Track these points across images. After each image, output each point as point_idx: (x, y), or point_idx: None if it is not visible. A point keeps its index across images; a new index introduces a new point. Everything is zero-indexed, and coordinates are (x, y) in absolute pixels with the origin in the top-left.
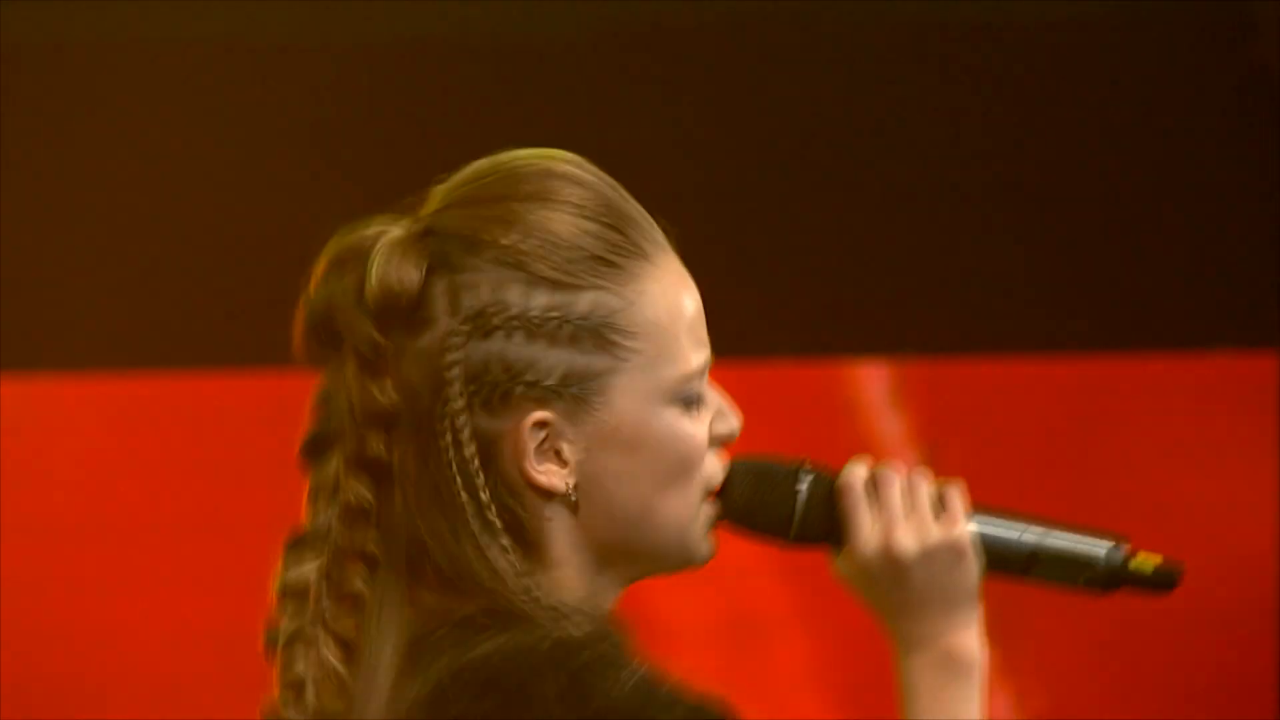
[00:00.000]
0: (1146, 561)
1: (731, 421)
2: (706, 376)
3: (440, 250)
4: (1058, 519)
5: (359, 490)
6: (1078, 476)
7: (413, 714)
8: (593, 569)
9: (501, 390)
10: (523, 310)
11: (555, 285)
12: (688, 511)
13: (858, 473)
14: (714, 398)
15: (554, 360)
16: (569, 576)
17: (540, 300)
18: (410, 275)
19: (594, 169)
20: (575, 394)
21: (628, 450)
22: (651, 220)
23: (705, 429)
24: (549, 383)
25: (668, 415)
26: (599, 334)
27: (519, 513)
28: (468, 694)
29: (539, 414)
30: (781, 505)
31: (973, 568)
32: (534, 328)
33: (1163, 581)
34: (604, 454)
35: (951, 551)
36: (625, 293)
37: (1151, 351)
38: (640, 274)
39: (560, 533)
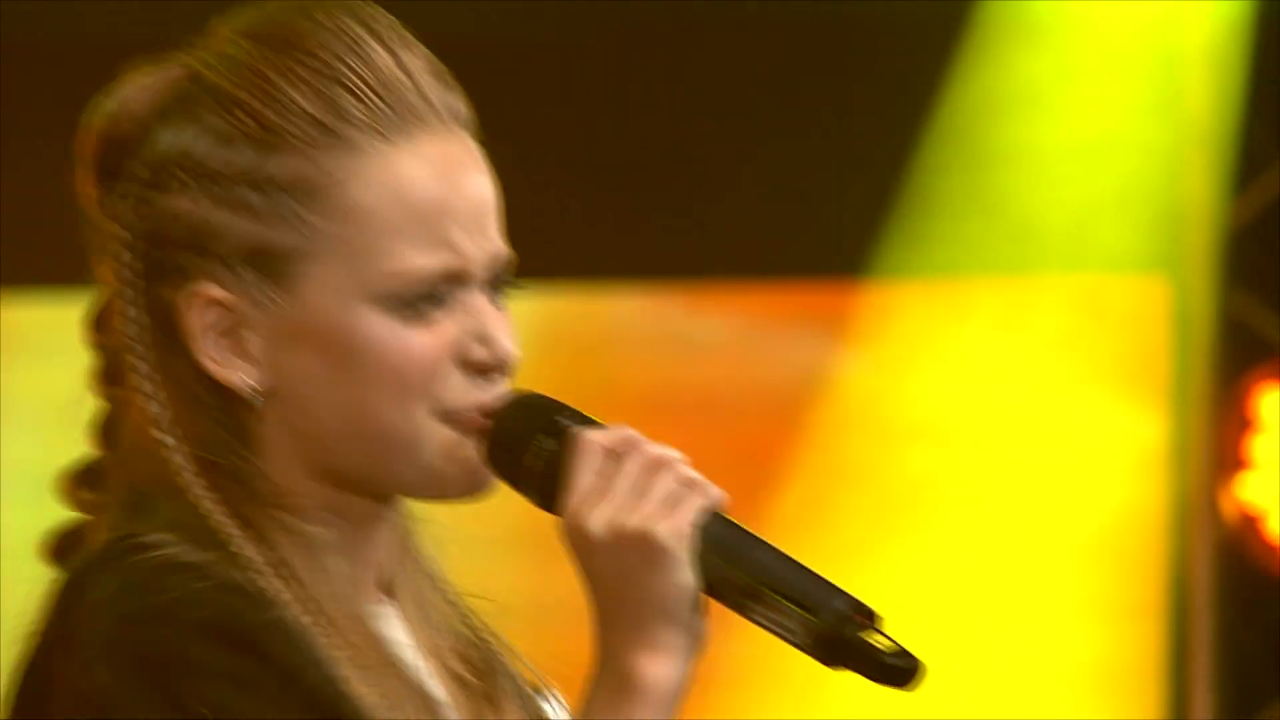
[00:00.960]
0: (883, 643)
1: (495, 348)
2: (467, 285)
3: (176, 93)
4: (816, 571)
5: (98, 396)
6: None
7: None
8: (321, 480)
9: (176, 256)
10: (208, 165)
11: (256, 143)
12: (408, 430)
13: (605, 435)
14: (477, 317)
15: (235, 229)
16: (293, 482)
17: (232, 157)
18: (127, 116)
19: (389, 27)
20: (258, 275)
21: (320, 352)
22: (436, 100)
23: (435, 342)
24: (225, 254)
25: (371, 318)
26: (288, 207)
27: (221, 402)
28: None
29: (209, 290)
30: (520, 447)
31: (675, 580)
32: (217, 188)
33: (897, 672)
34: (294, 353)
35: (644, 548)
36: (336, 166)
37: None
38: (368, 151)
39: (271, 434)
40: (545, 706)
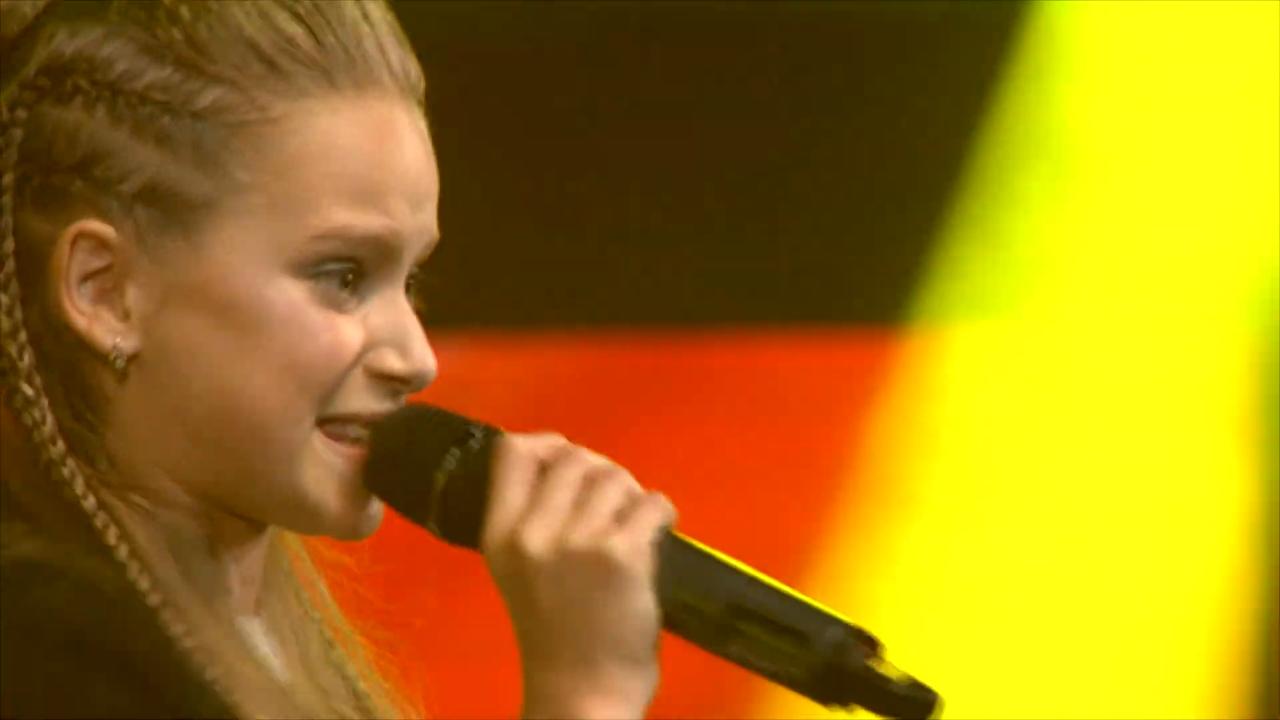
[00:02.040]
0: (892, 672)
1: (414, 360)
2: (395, 263)
3: None
4: (802, 595)
5: None
6: None
7: None
8: (175, 475)
9: (60, 178)
10: (118, 78)
11: (181, 64)
12: (289, 433)
13: (532, 444)
14: (399, 319)
15: (138, 159)
16: (142, 474)
17: (150, 73)
18: (18, 13)
19: None
20: (156, 217)
21: (212, 318)
22: (395, 60)
23: (352, 333)
24: (122, 187)
25: (284, 288)
26: (209, 146)
27: (72, 362)
28: None
29: (92, 225)
30: (421, 465)
31: (634, 607)
32: (125, 107)
33: (913, 705)
34: (179, 315)
35: (596, 568)
36: (271, 104)
37: None
38: (311, 94)
39: (129, 408)
40: None
